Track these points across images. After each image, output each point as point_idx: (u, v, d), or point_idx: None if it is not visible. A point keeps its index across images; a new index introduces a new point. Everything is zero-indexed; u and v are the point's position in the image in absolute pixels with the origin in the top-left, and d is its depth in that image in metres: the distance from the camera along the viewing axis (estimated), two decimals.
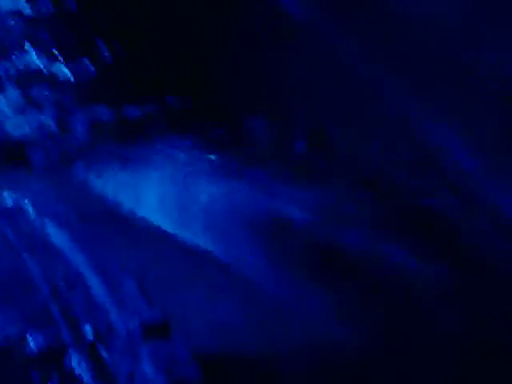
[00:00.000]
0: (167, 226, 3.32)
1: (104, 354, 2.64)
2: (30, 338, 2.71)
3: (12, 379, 2.62)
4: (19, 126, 3.55)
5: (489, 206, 3.50)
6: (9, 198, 3.18)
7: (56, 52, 3.75)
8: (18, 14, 4.03)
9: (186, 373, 2.43)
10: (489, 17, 3.87)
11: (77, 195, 3.48)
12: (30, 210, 3.09)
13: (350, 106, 3.76)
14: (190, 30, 4.00)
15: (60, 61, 3.75)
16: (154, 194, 3.34)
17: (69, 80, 3.69)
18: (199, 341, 2.77)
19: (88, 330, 2.70)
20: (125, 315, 2.62)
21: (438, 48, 4.01)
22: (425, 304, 3.15)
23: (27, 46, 3.82)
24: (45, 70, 3.74)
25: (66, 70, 3.72)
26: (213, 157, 3.41)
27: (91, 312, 2.73)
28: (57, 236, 2.95)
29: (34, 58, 3.76)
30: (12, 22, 4.01)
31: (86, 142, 3.49)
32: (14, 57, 3.79)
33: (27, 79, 3.70)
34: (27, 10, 4.05)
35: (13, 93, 3.67)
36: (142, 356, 2.51)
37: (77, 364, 2.65)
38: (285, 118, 3.62)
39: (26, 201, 3.11)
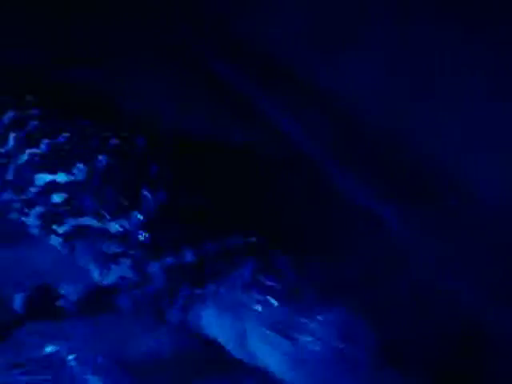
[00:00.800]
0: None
1: None
2: None
3: None
4: (103, 277, 3.75)
5: None
6: (52, 351, 3.29)
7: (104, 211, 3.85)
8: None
9: None
10: None
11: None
12: (73, 363, 3.20)
13: None
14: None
15: (111, 218, 3.81)
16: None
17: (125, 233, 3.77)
18: None
19: None
20: None
21: None
22: None
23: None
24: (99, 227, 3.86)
25: (117, 226, 3.78)
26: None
27: None
28: None
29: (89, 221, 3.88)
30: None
31: (164, 288, 3.63)
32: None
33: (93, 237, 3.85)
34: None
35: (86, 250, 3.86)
36: None
37: None
38: None
39: (68, 354, 3.22)
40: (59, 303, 3.62)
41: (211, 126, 4.91)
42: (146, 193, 3.77)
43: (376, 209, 4.50)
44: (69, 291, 3.66)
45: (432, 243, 4.25)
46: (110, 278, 3.72)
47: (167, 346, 3.75)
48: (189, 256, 3.62)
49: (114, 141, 4.08)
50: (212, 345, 3.60)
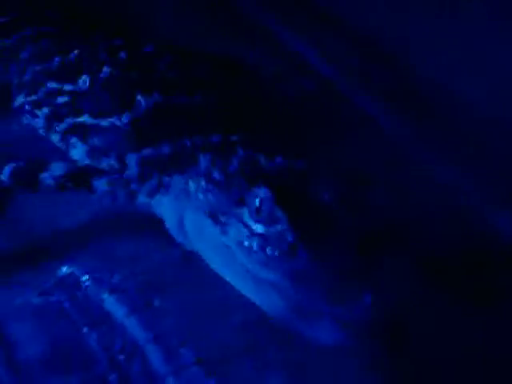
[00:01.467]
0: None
1: None
2: None
3: None
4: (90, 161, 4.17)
5: None
6: (67, 272, 3.35)
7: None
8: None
9: None
10: None
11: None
12: (88, 283, 3.26)
13: None
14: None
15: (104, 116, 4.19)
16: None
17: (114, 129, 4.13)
18: None
19: None
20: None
21: None
22: None
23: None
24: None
25: (107, 123, 4.16)
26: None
27: (149, 381, 2.88)
28: (114, 308, 3.11)
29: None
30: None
31: (136, 174, 3.98)
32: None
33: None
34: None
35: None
36: None
37: None
38: None
39: (83, 275, 3.28)
40: (43, 176, 3.99)
41: (224, 47, 4.91)
42: (139, 97, 4.11)
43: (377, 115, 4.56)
44: (55, 167, 4.01)
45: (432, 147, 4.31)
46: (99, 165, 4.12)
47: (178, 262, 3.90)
48: (165, 149, 3.93)
49: (122, 53, 4.47)
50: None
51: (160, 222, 3.92)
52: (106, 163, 4.12)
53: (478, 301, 3.64)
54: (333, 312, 3.07)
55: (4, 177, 4.03)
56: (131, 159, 4.03)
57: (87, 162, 4.18)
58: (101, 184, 4.03)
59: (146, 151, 4.00)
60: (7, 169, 4.05)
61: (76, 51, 4.57)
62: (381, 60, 4.90)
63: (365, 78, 4.87)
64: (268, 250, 3.31)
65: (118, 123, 4.15)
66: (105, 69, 4.37)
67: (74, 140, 4.32)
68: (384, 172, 3.93)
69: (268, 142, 3.80)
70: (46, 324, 3.18)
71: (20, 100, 4.70)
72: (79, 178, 4.06)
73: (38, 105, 4.55)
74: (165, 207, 3.90)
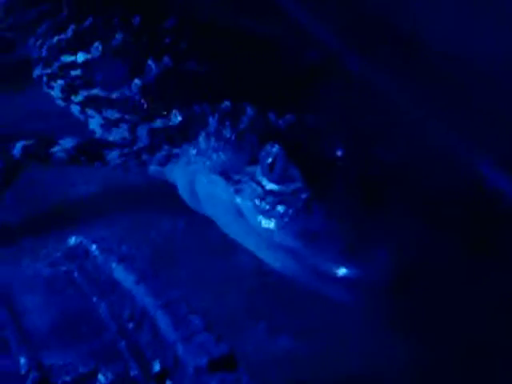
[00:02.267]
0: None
1: None
2: (100, 375, 2.83)
3: None
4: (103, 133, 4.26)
5: None
6: (76, 242, 3.34)
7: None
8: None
9: None
10: None
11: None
12: (97, 253, 3.24)
13: None
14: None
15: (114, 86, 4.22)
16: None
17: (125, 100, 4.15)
18: (263, 373, 2.90)
19: (156, 365, 2.83)
20: (192, 350, 2.76)
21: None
22: None
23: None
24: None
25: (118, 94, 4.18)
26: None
27: (159, 348, 2.86)
28: (123, 277, 3.10)
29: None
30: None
31: (146, 146, 4.01)
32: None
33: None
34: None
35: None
36: None
37: None
38: None
39: (92, 245, 3.26)
40: (53, 149, 4.04)
41: (235, 19, 4.88)
42: (150, 62, 4.13)
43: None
44: (65, 141, 4.04)
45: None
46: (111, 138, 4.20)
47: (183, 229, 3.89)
48: (175, 119, 3.93)
49: (136, 20, 4.52)
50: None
51: (172, 190, 3.90)
52: (118, 135, 4.13)
53: (481, 251, 3.62)
54: (349, 272, 3.01)
55: (16, 151, 4.02)
56: (142, 130, 4.00)
57: (104, 133, 4.18)
58: (112, 156, 4.00)
59: (156, 122, 3.97)
60: (19, 143, 4.05)
61: (90, 19, 4.61)
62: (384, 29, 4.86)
63: (369, 47, 4.82)
64: (282, 208, 3.25)
65: (128, 93, 4.14)
66: (117, 35, 4.40)
67: (91, 112, 4.36)
68: (386, 131, 3.88)
69: (276, 102, 3.76)
70: (55, 294, 3.17)
71: (37, 72, 4.80)
72: (91, 150, 4.05)
73: (53, 77, 4.64)
74: (176, 173, 3.89)
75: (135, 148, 4.03)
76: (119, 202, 4.18)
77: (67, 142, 4.07)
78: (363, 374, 3.31)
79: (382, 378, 3.28)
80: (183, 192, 3.85)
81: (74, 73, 4.50)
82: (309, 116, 3.67)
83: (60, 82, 4.59)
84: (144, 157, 4.01)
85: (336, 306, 3.31)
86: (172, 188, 3.93)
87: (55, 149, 4.06)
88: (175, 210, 3.96)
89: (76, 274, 3.24)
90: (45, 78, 4.74)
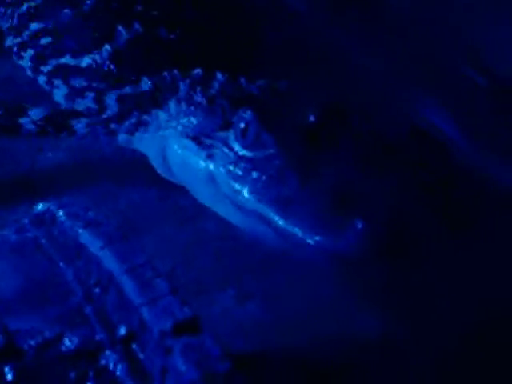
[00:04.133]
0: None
1: (138, 351, 2.78)
2: (66, 339, 2.84)
3: (49, 378, 2.74)
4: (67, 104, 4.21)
5: None
6: (43, 209, 3.33)
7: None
8: None
9: (218, 367, 2.57)
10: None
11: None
12: (64, 218, 3.23)
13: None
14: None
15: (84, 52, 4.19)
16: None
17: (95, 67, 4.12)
18: (229, 339, 2.90)
19: (122, 329, 2.84)
20: (157, 314, 2.77)
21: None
22: None
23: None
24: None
25: (88, 60, 4.14)
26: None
27: (124, 312, 2.86)
28: (90, 242, 3.10)
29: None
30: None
31: (115, 114, 3.98)
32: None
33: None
34: None
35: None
36: (174, 352, 2.65)
37: (112, 361, 2.78)
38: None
39: (59, 210, 3.25)
40: (23, 120, 4.00)
41: None
42: (120, 28, 4.09)
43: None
44: (34, 112, 4.02)
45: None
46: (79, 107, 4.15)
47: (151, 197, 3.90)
48: (145, 85, 3.91)
49: None
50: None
51: (141, 159, 3.89)
52: (86, 104, 4.09)
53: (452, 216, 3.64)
54: (321, 240, 3.00)
55: None
56: (110, 98, 3.99)
57: (68, 104, 4.15)
58: (81, 126, 3.98)
59: (125, 89, 3.95)
60: None
61: None
62: None
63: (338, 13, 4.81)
64: (255, 175, 3.23)
65: (98, 59, 4.10)
66: (88, 1, 4.34)
67: (58, 82, 4.31)
68: (358, 96, 3.88)
69: (248, 67, 3.74)
70: (22, 259, 3.16)
71: (9, 43, 4.73)
72: (59, 121, 4.02)
73: (23, 46, 4.57)
74: (146, 141, 3.86)
75: (104, 116, 4.00)
76: (88, 170, 4.17)
77: (36, 113, 4.04)
78: (331, 342, 3.32)
79: (350, 346, 3.30)
80: (154, 159, 3.84)
81: (43, 41, 4.45)
82: (281, 81, 3.65)
83: (30, 51, 4.53)
84: (113, 125, 3.99)
85: (305, 273, 3.32)
86: (141, 157, 3.92)
87: (24, 120, 4.02)
88: (144, 179, 3.95)
89: (43, 240, 3.23)
90: (15, 48, 4.68)
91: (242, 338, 3.23)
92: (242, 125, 3.32)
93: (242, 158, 3.29)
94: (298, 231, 3.03)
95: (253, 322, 3.37)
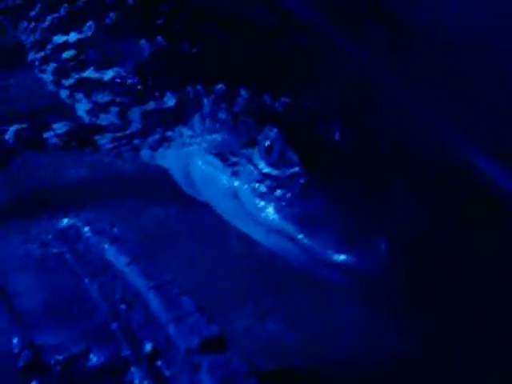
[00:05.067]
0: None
1: (164, 368, 2.80)
2: (92, 355, 2.85)
3: None
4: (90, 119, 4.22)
5: None
6: (68, 224, 3.35)
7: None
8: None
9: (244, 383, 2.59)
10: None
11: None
12: (89, 234, 3.26)
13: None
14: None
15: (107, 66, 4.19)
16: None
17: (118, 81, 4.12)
18: (252, 356, 2.91)
19: (148, 346, 2.85)
20: (183, 331, 2.79)
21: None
22: None
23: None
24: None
25: (111, 74, 4.14)
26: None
27: (150, 329, 2.88)
28: (115, 258, 3.12)
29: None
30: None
31: (139, 130, 3.98)
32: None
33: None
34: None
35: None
36: (201, 369, 2.67)
37: (137, 378, 2.80)
38: None
39: (85, 226, 3.28)
40: (47, 135, 4.00)
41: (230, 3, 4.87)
42: (143, 41, 4.09)
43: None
44: (58, 126, 4.01)
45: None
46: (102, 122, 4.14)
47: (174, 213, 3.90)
48: (169, 101, 3.90)
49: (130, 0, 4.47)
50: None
51: (164, 175, 3.90)
52: (106, 121, 4.11)
53: (480, 241, 3.64)
54: (346, 259, 3.00)
55: (9, 136, 4.00)
56: (134, 114, 4.00)
57: (91, 119, 4.17)
58: (105, 141, 4.00)
59: (149, 104, 3.96)
60: (12, 128, 4.05)
61: None
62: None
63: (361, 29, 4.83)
64: (279, 192, 3.23)
65: (120, 74, 4.10)
66: (111, 14, 4.35)
67: (80, 96, 4.31)
68: (384, 115, 3.89)
69: (271, 84, 3.74)
70: (46, 275, 3.18)
71: (31, 57, 4.74)
72: (83, 135, 4.05)
73: (46, 60, 4.58)
74: (170, 157, 3.87)
75: (127, 132, 4.00)
76: (110, 186, 4.19)
77: (60, 127, 4.04)
78: (353, 361, 3.32)
79: (372, 365, 3.30)
80: (177, 175, 3.84)
81: (66, 55, 4.45)
82: (305, 99, 3.65)
83: (52, 65, 4.54)
84: (136, 141, 3.99)
85: (326, 292, 3.33)
86: (164, 173, 3.93)
87: (48, 134, 4.03)
88: (167, 195, 3.97)
89: (68, 256, 3.25)
90: (37, 62, 4.70)
91: (263, 355, 3.24)
92: (267, 142, 3.33)
93: (266, 175, 3.30)
94: (322, 250, 3.04)
95: (273, 340, 3.38)
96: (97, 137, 4.03)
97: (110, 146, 4.01)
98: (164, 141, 3.89)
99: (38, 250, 3.35)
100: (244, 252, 3.63)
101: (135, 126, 3.98)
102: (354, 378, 3.19)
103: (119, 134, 4.01)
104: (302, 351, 3.30)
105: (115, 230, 3.25)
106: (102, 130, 4.07)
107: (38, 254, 3.32)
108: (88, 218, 3.33)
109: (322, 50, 4.64)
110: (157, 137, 3.91)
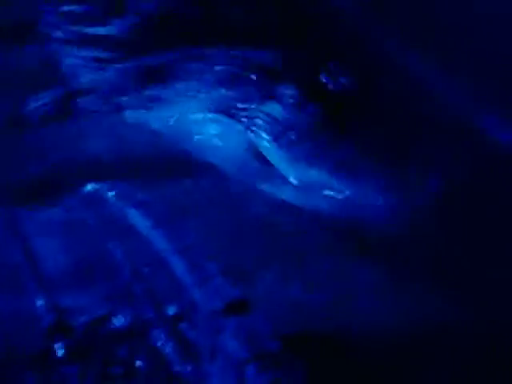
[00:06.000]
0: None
1: (187, 330, 2.80)
2: (115, 317, 2.87)
3: (100, 355, 2.77)
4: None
5: None
6: (92, 189, 3.36)
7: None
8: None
9: (267, 345, 2.59)
10: None
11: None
12: (113, 199, 3.26)
13: None
14: None
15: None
16: None
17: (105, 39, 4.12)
18: (278, 317, 2.92)
19: (171, 308, 2.86)
20: (207, 294, 2.79)
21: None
22: None
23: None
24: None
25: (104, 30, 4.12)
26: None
27: (174, 292, 2.88)
28: (139, 221, 3.12)
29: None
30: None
31: (121, 88, 3.93)
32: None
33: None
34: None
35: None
36: (224, 331, 2.67)
37: (160, 340, 2.80)
38: None
39: (108, 191, 3.28)
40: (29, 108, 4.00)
41: None
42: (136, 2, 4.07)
43: None
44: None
45: None
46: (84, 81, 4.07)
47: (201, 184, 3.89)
48: (159, 58, 3.87)
49: None
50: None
51: (196, 148, 3.85)
52: (89, 77, 4.06)
53: None
54: (392, 201, 2.94)
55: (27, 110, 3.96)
56: (119, 70, 3.97)
57: (72, 74, 4.05)
58: (87, 102, 3.89)
59: (139, 61, 3.93)
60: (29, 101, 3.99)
61: None
62: None
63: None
64: (308, 145, 3.16)
65: (113, 30, 4.08)
66: None
67: (67, 50, 4.24)
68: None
69: (273, 40, 3.65)
70: (71, 239, 3.19)
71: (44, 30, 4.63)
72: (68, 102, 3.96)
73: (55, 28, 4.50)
74: (159, 117, 3.77)
75: (109, 90, 3.93)
76: (133, 156, 4.16)
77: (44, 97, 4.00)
78: (374, 324, 3.32)
79: (393, 329, 3.28)
80: (167, 135, 3.74)
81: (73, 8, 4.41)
82: (319, 53, 3.57)
83: (59, 34, 4.49)
84: (119, 99, 3.91)
85: (348, 257, 3.32)
86: (195, 146, 3.88)
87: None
88: (197, 168, 3.94)
89: (91, 220, 3.26)
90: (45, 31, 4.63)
91: (285, 317, 3.23)
92: (287, 97, 3.27)
93: (290, 127, 3.23)
94: (363, 195, 2.99)
95: (297, 304, 3.38)
96: (78, 99, 3.96)
97: (93, 107, 3.93)
98: (152, 100, 3.79)
99: (62, 214, 3.36)
100: (267, 218, 3.61)
101: (119, 82, 3.94)
102: (375, 341, 3.18)
103: (100, 93, 3.95)
104: (325, 315, 3.29)
105: (139, 194, 3.25)
106: (84, 90, 3.99)
107: (62, 219, 3.33)
108: (112, 184, 3.33)
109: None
110: (147, 93, 3.82)
